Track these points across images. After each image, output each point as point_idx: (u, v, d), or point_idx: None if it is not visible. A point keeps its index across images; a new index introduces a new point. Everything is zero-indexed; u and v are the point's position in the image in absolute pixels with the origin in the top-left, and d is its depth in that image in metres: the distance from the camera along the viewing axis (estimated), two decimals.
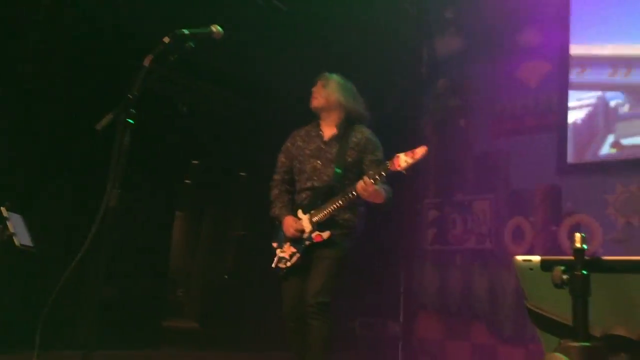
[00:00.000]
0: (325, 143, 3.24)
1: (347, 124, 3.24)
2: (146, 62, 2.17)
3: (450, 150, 6.21)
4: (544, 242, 5.29)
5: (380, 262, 6.34)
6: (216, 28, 2.37)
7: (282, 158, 3.37)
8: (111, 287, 5.65)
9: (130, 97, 2.12)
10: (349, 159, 3.15)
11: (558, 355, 1.14)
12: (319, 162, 3.19)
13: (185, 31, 2.26)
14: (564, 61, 5.53)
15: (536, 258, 1.33)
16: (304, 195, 3.22)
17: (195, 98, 7.28)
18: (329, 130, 3.27)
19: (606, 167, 5.11)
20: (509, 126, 5.82)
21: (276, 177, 3.38)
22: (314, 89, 3.32)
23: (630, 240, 4.76)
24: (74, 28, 5.30)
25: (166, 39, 2.22)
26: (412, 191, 6.35)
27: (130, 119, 2.11)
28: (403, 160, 2.87)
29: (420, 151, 2.87)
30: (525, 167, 5.60)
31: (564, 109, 5.42)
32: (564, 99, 5.44)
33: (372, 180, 2.89)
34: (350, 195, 2.98)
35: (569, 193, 5.26)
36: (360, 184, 2.92)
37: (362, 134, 3.23)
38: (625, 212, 4.88)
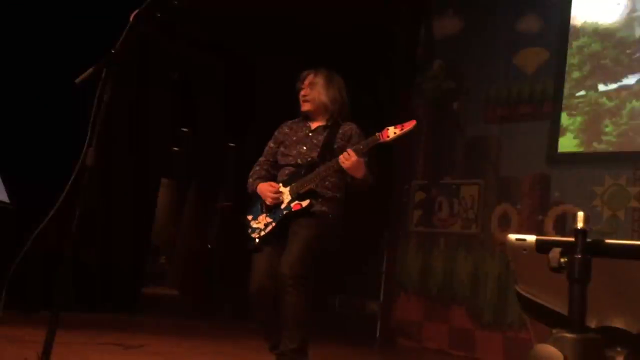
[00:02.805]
0: (312, 131, 3.26)
1: (334, 120, 3.25)
2: (132, 18, 2.09)
3: (442, 133, 6.16)
4: (530, 231, 5.27)
5: (364, 241, 6.32)
6: None
7: (270, 144, 3.40)
8: (91, 251, 5.59)
9: (113, 52, 2.04)
10: (336, 146, 3.16)
11: (549, 347, 1.03)
12: (304, 147, 3.21)
13: None
14: (562, 50, 5.47)
15: (531, 238, 1.21)
16: (286, 172, 3.20)
17: (188, 65, 7.17)
18: (316, 124, 3.30)
19: (596, 158, 5.08)
20: (503, 112, 5.77)
21: (261, 159, 3.38)
22: (302, 92, 3.29)
23: (615, 234, 4.75)
24: None
25: None
26: (400, 171, 6.31)
27: (112, 75, 2.03)
28: (392, 132, 2.89)
29: (409, 124, 2.88)
30: (516, 154, 5.57)
31: (559, 98, 5.38)
32: (560, 88, 5.39)
33: (354, 151, 2.90)
34: (333, 164, 2.96)
35: (557, 183, 5.24)
36: (343, 154, 2.91)
37: (350, 127, 3.25)
38: (612, 205, 4.86)
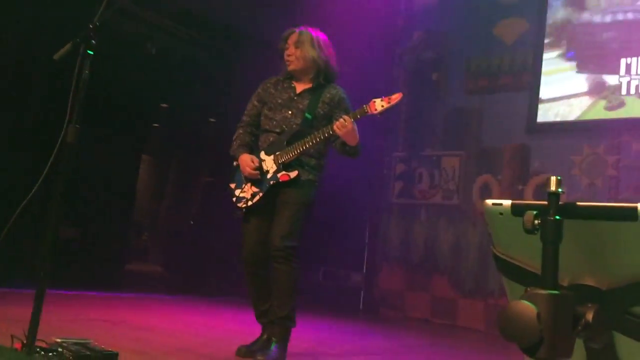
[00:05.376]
0: (297, 95, 3.18)
1: (320, 80, 3.17)
2: None
3: (422, 104, 6.17)
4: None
5: (346, 213, 6.36)
6: None
7: (254, 101, 3.28)
8: (74, 228, 5.57)
9: (91, 26, 2.00)
10: (321, 112, 3.12)
11: (524, 302, 1.08)
12: (290, 112, 3.13)
13: None
14: (541, 20, 5.48)
15: (507, 202, 1.25)
16: (270, 138, 3.14)
17: (165, 39, 7.05)
18: (301, 85, 3.22)
19: (575, 128, 5.14)
20: (483, 83, 5.79)
21: (244, 118, 3.29)
22: (287, 51, 3.18)
23: (592, 201, 4.83)
24: None
25: None
26: (381, 143, 6.33)
27: (90, 50, 2.00)
28: (379, 104, 2.89)
29: (396, 97, 2.91)
30: (496, 125, 5.61)
31: (537, 69, 5.41)
32: (539, 58, 5.42)
33: (351, 118, 2.87)
34: (324, 133, 2.92)
35: (537, 153, 5.30)
36: (339, 121, 2.88)
37: (336, 91, 3.19)
38: (590, 174, 4.94)
